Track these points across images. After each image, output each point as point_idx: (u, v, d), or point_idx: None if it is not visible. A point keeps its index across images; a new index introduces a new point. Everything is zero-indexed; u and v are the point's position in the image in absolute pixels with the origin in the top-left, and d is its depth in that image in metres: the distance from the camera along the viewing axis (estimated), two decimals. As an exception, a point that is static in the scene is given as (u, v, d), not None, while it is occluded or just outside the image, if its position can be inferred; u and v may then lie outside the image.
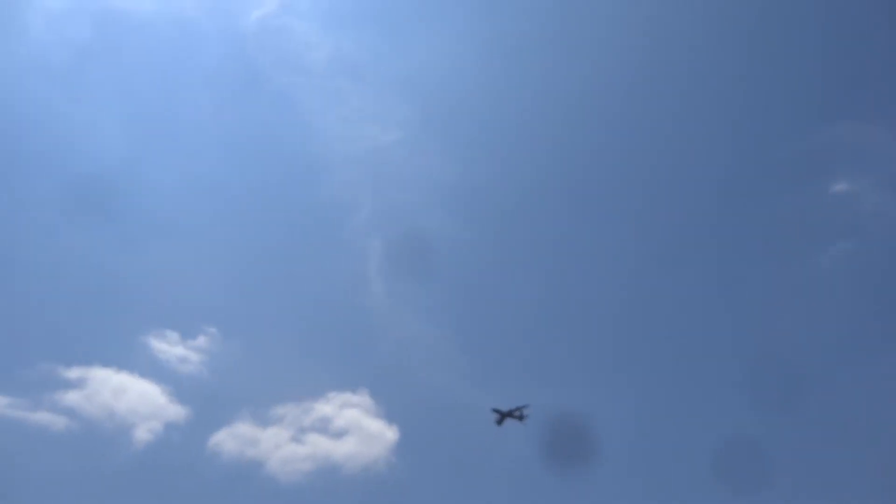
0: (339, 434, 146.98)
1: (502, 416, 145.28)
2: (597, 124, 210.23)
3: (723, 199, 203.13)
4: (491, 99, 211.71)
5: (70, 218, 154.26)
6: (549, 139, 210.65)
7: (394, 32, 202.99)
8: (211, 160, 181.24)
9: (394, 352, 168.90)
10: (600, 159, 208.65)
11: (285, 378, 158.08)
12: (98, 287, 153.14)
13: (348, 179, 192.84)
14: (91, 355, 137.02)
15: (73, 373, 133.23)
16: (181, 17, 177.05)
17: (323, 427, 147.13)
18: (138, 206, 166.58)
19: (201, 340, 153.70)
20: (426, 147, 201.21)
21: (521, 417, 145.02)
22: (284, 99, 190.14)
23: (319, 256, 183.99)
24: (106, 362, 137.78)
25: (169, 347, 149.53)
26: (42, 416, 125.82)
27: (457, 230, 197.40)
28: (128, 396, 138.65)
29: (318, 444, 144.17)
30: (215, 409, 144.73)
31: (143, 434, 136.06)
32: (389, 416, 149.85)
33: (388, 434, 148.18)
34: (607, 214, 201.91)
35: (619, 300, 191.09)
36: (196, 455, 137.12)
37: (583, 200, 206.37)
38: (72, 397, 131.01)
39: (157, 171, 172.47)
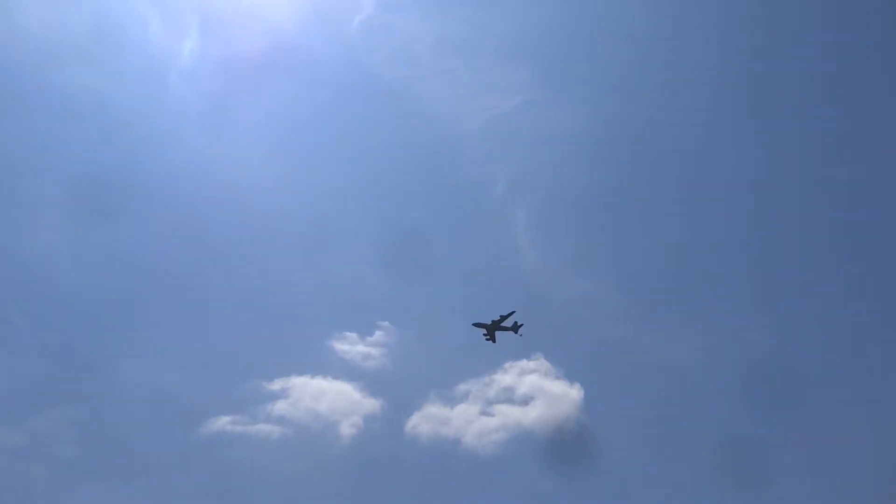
0: (525, 401, 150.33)
1: (489, 329, 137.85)
2: (726, 66, 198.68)
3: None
4: (604, 47, 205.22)
5: (239, 246, 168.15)
6: (662, 80, 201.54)
7: (492, 2, 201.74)
8: (350, 167, 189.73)
9: (560, 313, 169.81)
10: (730, 96, 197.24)
11: (461, 356, 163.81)
12: (277, 303, 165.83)
13: (479, 154, 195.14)
14: (287, 367, 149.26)
15: (276, 385, 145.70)
16: (293, 45, 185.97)
17: (508, 397, 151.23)
18: (293, 224, 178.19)
19: (378, 335, 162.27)
20: (550, 105, 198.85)
21: (515, 329, 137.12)
22: (401, 93, 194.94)
23: (467, 235, 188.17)
24: (301, 371, 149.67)
25: (351, 347, 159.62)
26: (260, 428, 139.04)
27: (598, 182, 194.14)
28: (327, 398, 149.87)
29: (507, 414, 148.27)
30: (405, 396, 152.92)
31: (347, 429, 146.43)
32: (570, 375, 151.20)
33: (572, 393, 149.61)
34: (741, 147, 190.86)
35: (771, 234, 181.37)
36: (397, 441, 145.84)
37: (715, 138, 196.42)
38: (280, 407, 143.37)
39: (304, 187, 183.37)
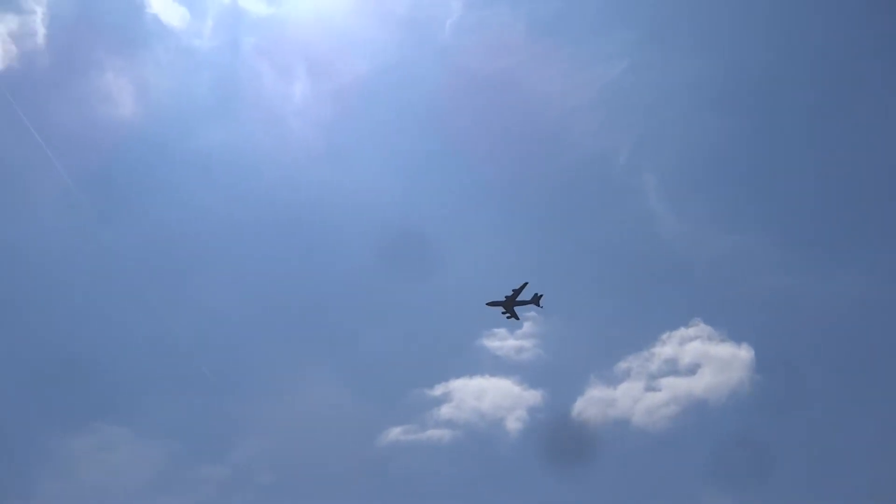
0: (691, 370, 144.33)
1: (506, 306, 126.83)
2: None
3: None
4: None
5: (380, 262, 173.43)
6: (772, 20, 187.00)
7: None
8: (470, 167, 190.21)
9: (711, 272, 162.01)
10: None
11: (615, 334, 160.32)
12: (423, 311, 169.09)
13: (594, 126, 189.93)
14: (444, 371, 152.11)
15: (438, 390, 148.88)
16: (392, 62, 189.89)
17: (672, 368, 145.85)
18: (427, 231, 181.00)
19: (527, 326, 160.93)
20: (659, 63, 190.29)
21: (536, 301, 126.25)
22: (505, 84, 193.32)
23: (598, 210, 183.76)
24: (458, 373, 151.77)
25: (502, 343, 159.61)
26: (431, 434, 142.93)
27: (724, 132, 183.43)
28: (488, 396, 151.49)
29: (675, 386, 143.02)
30: (565, 383, 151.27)
31: (513, 424, 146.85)
32: (735, 336, 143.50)
33: (741, 355, 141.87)
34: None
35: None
36: (565, 429, 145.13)
37: (840, 74, 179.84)
38: (445, 411, 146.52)
39: (430, 193, 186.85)
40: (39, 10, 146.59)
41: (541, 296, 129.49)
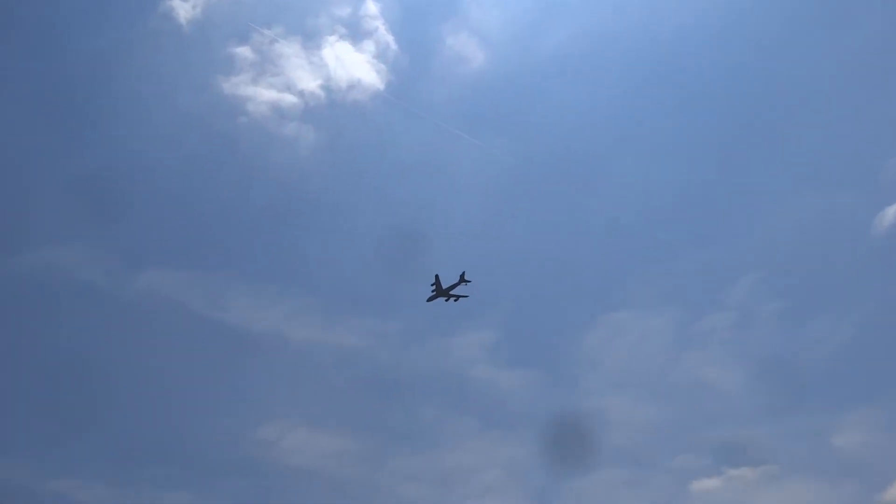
0: None
1: (442, 295, 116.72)
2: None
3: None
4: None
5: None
6: None
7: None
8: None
9: None
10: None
11: None
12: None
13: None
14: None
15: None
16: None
17: None
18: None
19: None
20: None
21: (462, 279, 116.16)
22: None
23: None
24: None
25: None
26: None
27: None
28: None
29: None
30: None
31: None
32: None
33: None
34: None
35: None
36: None
37: None
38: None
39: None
40: (380, 24, 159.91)
41: (463, 272, 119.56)
